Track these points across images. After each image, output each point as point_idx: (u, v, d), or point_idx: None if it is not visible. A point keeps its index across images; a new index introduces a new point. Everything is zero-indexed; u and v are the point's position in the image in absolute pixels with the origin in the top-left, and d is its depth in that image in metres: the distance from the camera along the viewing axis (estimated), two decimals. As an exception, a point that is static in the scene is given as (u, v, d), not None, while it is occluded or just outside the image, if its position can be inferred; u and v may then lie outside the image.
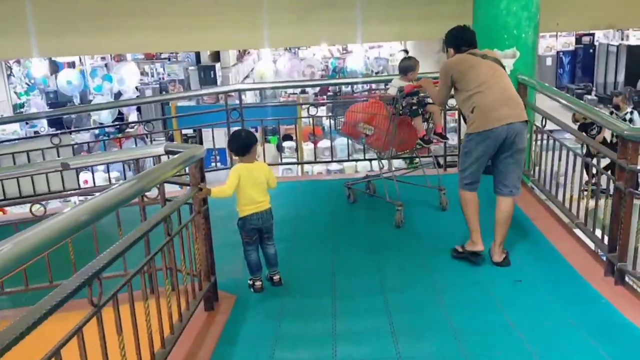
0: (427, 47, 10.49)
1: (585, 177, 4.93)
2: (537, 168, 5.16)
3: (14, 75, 11.27)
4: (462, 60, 4.07)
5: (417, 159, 6.90)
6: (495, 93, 3.94)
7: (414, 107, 4.67)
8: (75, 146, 10.43)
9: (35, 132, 11.25)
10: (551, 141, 4.71)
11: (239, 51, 10.95)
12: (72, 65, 13.24)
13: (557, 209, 4.72)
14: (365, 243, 4.59)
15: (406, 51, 5.16)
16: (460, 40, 4.21)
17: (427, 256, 4.29)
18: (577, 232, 4.44)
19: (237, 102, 5.93)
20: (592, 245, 4.23)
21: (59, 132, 11.35)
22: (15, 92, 11.99)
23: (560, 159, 4.53)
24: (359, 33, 7.20)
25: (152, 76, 13.44)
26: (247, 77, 12.65)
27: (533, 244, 4.39)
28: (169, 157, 3.44)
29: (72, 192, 5.90)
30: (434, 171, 5.37)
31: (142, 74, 13.56)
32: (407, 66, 4.91)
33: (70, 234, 2.07)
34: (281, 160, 6.74)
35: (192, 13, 7.03)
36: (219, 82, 10.22)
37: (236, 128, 4.50)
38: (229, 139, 3.88)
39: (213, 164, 8.44)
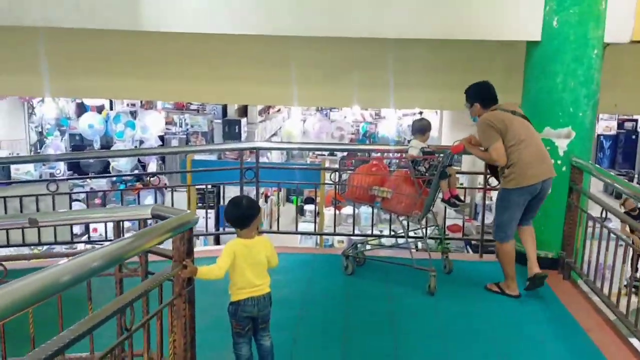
0: (460, 117, 9.91)
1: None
2: (585, 259, 4.65)
3: (35, 115, 11.00)
4: (501, 116, 4.25)
5: (449, 241, 6.30)
6: (532, 150, 4.24)
7: (442, 169, 4.46)
8: (82, 194, 9.98)
9: (52, 175, 10.88)
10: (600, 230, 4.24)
11: (264, 107, 10.53)
12: (101, 109, 13.04)
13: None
14: (385, 329, 3.95)
15: (420, 113, 4.72)
16: (487, 95, 4.39)
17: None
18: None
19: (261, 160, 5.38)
20: None
21: (72, 177, 11.05)
22: (41, 132, 11.70)
23: (607, 249, 4.24)
24: (391, 98, 6.67)
25: (180, 126, 13.14)
26: (274, 134, 12.23)
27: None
28: (156, 222, 2.87)
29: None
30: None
31: (170, 123, 13.30)
32: (425, 125, 4.77)
33: (16, 311, 1.65)
34: (296, 227, 6.07)
35: (221, 64, 6.60)
36: (243, 138, 9.77)
37: (248, 188, 3.93)
38: (227, 206, 3.26)
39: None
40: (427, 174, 4.51)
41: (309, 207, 10.03)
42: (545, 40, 4.79)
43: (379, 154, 5.46)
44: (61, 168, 10.88)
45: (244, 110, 10.52)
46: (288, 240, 8.42)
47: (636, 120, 16.95)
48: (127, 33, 6.00)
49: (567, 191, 4.83)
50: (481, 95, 4.39)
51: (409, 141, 5.34)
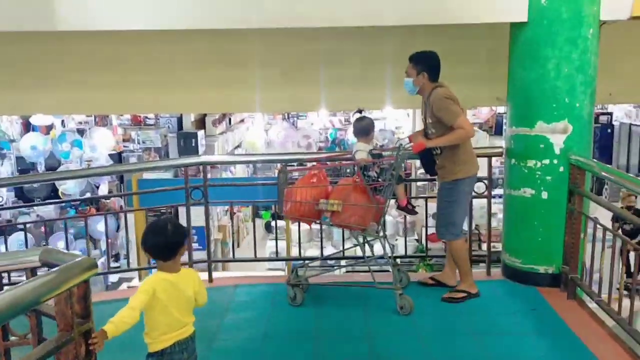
0: None
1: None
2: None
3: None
4: (454, 94, 3.97)
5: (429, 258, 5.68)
6: None
7: (393, 173, 3.97)
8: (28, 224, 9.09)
9: (-7, 203, 9.90)
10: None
11: (219, 117, 9.70)
12: (50, 128, 12.08)
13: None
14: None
15: (360, 111, 4.08)
16: (436, 67, 4.02)
17: None
18: None
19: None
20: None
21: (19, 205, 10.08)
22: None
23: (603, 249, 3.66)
24: (360, 98, 5.92)
25: (138, 143, 12.27)
26: (237, 146, 11.42)
27: None
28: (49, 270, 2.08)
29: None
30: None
31: (128, 140, 12.43)
32: (369, 125, 4.23)
33: None
34: (254, 252, 5.24)
35: (168, 68, 5.78)
36: (201, 152, 8.94)
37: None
38: (146, 233, 2.61)
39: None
40: (379, 179, 4.01)
41: (280, 223, 9.22)
42: (533, 20, 4.11)
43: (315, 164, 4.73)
44: (4, 195, 9.90)
45: (202, 122, 9.70)
46: (257, 265, 7.65)
47: (611, 114, 16.55)
48: (50, 37, 5.19)
49: (567, 195, 4.14)
50: (431, 65, 3.99)
51: (381, 146, 4.63)
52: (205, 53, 5.66)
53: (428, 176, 4.70)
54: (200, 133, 9.05)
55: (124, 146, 11.90)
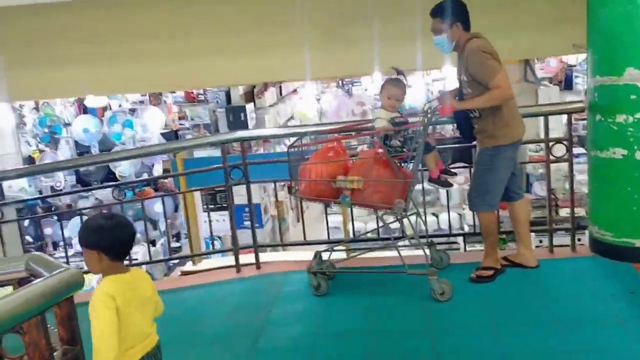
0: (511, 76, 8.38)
1: None
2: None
3: (25, 124, 10.00)
4: (491, 45, 3.57)
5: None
6: None
7: (419, 141, 3.57)
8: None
9: (52, 189, 9.92)
10: None
11: (260, 88, 9.23)
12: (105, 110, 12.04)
13: None
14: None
15: (400, 72, 3.43)
16: (467, 15, 3.60)
17: None
18: None
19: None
20: None
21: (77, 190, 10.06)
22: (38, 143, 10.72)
23: None
24: (418, 57, 5.32)
25: (192, 120, 12.09)
26: (290, 118, 10.97)
27: None
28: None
29: None
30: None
31: (183, 118, 12.29)
32: (399, 89, 3.73)
33: None
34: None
35: (206, 35, 5.39)
36: (251, 126, 8.55)
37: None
38: (84, 227, 2.19)
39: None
40: (404, 150, 3.59)
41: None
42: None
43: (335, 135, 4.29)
44: (61, 180, 9.89)
45: (251, 95, 9.30)
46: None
47: None
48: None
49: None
50: (462, 12, 3.58)
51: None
52: (244, 15, 5.23)
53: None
54: (249, 106, 8.66)
55: (180, 124, 11.76)
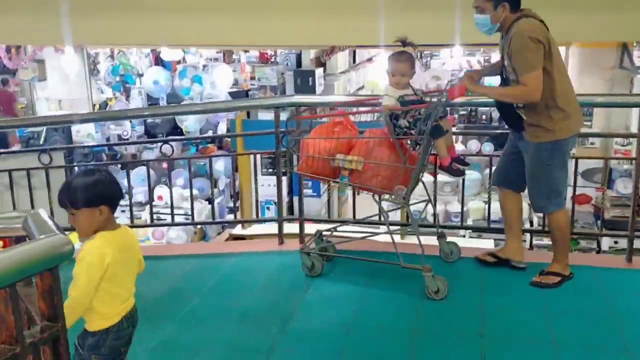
0: (593, 57, 7.58)
1: None
2: None
3: (98, 72, 10.12)
4: (541, 28, 3.08)
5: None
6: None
7: (434, 124, 3.18)
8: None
9: (119, 137, 10.04)
10: None
11: (325, 51, 8.85)
12: (181, 62, 12.06)
13: None
14: None
15: (404, 42, 2.96)
16: None
17: None
18: None
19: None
20: None
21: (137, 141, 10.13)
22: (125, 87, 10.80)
23: None
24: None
25: (259, 80, 11.95)
26: (361, 87, 10.59)
27: None
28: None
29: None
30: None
31: (254, 78, 12.18)
32: (407, 61, 3.36)
33: None
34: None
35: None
36: (319, 92, 8.26)
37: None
38: (78, 186, 2.04)
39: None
40: (412, 132, 3.24)
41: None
42: None
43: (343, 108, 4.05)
44: (128, 130, 9.99)
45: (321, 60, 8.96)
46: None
47: None
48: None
49: None
50: None
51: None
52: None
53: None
54: (319, 71, 8.35)
55: (251, 84, 11.64)
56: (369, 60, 11.39)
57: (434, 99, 3.27)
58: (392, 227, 3.56)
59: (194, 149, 10.43)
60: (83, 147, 8.74)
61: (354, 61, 10.19)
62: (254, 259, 3.93)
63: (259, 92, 10.40)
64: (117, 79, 10.15)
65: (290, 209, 7.22)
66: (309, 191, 7.92)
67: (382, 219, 3.66)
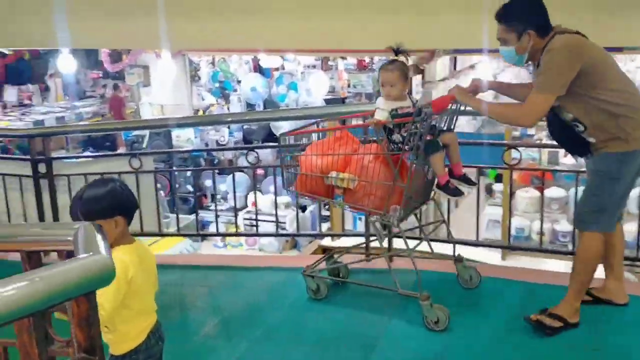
0: None
1: None
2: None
3: (199, 78, 10.35)
4: (590, 44, 2.72)
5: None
6: None
7: (428, 139, 2.97)
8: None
9: (217, 143, 10.22)
10: None
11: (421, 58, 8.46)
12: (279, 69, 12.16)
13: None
14: None
15: (398, 51, 2.55)
16: (544, 13, 2.75)
17: None
18: None
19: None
20: None
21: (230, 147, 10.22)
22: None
23: None
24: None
25: (355, 87, 11.80)
26: (463, 95, 10.12)
27: None
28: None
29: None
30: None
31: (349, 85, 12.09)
32: (399, 72, 3.06)
33: None
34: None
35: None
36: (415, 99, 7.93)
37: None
38: (91, 199, 1.94)
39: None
40: (406, 147, 2.98)
41: (499, 187, 7.92)
42: None
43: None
44: (225, 135, 10.14)
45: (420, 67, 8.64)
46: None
47: None
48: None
49: None
50: (535, 14, 2.75)
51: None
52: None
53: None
54: (416, 79, 8.04)
55: (348, 92, 11.51)
56: (471, 67, 10.88)
57: (426, 110, 2.91)
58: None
59: (289, 157, 10.43)
60: (164, 152, 8.82)
61: (455, 67, 9.76)
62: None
63: (354, 99, 10.23)
64: (217, 85, 10.34)
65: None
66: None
67: (379, 242, 3.28)
